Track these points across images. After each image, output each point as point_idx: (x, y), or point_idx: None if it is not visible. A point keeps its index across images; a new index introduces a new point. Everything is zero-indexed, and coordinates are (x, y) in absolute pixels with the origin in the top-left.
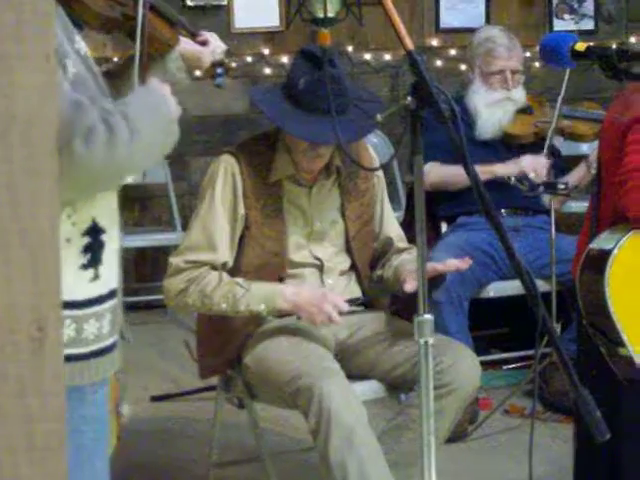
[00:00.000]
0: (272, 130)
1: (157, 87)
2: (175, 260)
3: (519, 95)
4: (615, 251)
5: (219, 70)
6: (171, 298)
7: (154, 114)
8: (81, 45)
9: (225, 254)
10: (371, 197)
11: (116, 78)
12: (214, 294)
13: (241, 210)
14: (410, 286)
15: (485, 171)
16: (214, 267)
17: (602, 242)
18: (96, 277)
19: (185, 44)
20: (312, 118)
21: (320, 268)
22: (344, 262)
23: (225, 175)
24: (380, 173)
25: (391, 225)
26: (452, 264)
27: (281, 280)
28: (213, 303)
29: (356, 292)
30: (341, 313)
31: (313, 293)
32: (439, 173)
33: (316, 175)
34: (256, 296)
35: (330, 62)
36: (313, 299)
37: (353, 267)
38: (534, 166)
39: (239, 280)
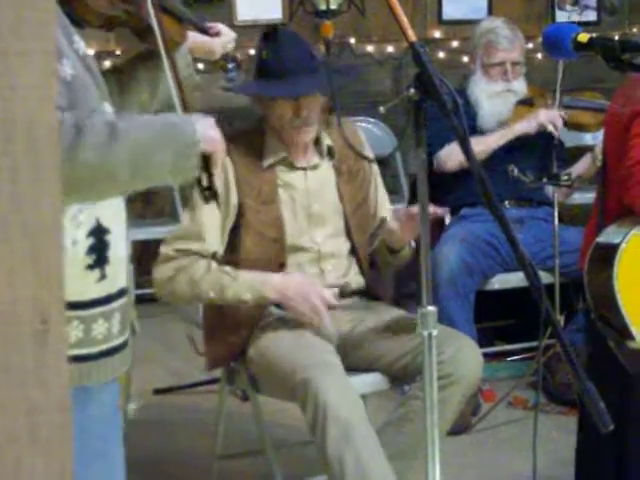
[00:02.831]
0: (258, 119)
1: (193, 116)
2: (164, 249)
3: (520, 87)
4: (623, 245)
5: (230, 65)
6: (159, 286)
7: (162, 129)
8: (80, 45)
9: (214, 244)
10: (362, 178)
11: (123, 74)
12: (201, 282)
13: (233, 200)
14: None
15: (505, 133)
16: (203, 257)
17: (609, 236)
18: (103, 277)
19: (194, 37)
20: (285, 80)
21: (318, 253)
22: (343, 246)
23: None
24: (371, 155)
25: (385, 207)
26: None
27: (281, 266)
28: (201, 291)
29: (357, 278)
30: (330, 307)
31: (301, 285)
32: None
33: (308, 156)
34: (243, 285)
35: (283, 28)
36: (301, 291)
37: (353, 250)
38: (550, 118)
39: (227, 268)
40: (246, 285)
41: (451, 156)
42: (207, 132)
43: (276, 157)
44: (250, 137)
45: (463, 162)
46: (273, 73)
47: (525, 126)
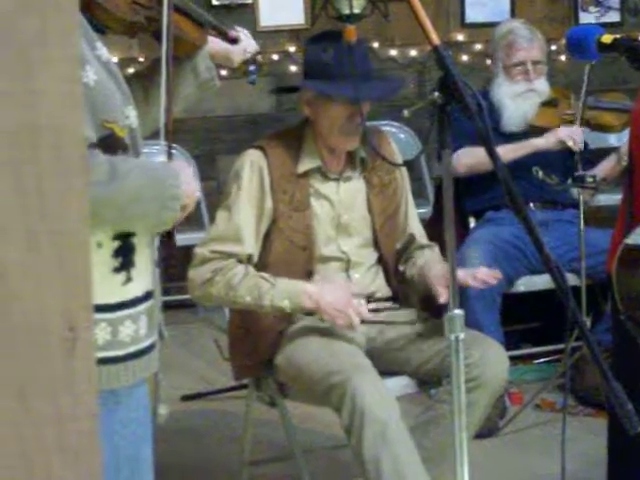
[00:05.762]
0: (298, 123)
1: (176, 164)
2: (201, 250)
3: (542, 86)
4: None
5: (251, 68)
6: (195, 287)
7: (152, 180)
8: (102, 51)
9: (251, 246)
10: (394, 190)
11: (145, 79)
12: (239, 286)
13: (268, 204)
14: (443, 298)
15: (524, 146)
16: (240, 259)
17: (638, 237)
18: (129, 280)
19: (214, 44)
20: (348, 83)
21: (347, 262)
22: (371, 256)
23: (251, 168)
24: (403, 168)
25: (413, 222)
26: (481, 279)
27: (309, 274)
28: (237, 295)
29: (383, 286)
30: (363, 321)
31: (338, 296)
32: (471, 155)
33: (342, 167)
34: (281, 292)
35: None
36: (337, 302)
37: (380, 261)
38: (570, 135)
39: (265, 275)
40: (284, 292)
41: (459, 161)
42: (187, 186)
43: (311, 164)
44: (287, 141)
45: (470, 165)
46: (337, 74)
47: (543, 142)
